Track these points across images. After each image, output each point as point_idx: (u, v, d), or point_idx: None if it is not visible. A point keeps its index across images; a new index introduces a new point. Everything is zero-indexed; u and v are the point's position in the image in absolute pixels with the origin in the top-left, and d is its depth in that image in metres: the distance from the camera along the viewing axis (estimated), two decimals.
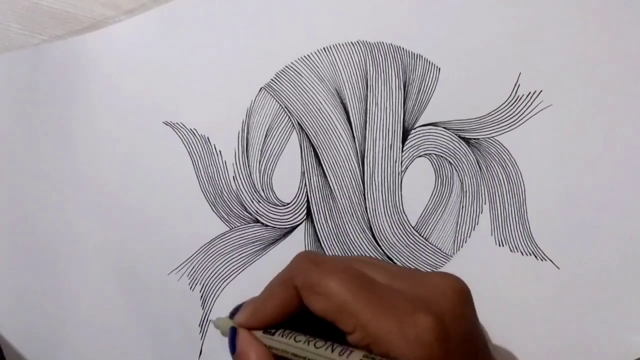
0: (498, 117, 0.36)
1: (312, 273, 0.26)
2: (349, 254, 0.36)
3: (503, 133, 0.36)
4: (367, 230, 0.36)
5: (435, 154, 0.36)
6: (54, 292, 0.35)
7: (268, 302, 0.28)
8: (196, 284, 0.35)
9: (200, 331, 0.35)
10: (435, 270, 0.36)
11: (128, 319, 0.35)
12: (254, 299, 0.29)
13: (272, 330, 0.28)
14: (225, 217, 0.36)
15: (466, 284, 0.27)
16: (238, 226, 0.36)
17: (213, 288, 0.35)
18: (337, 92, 0.36)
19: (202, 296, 0.35)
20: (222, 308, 0.35)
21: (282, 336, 0.27)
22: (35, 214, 0.35)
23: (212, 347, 0.35)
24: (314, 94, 0.36)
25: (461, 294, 0.26)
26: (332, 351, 0.25)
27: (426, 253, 0.36)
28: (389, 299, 0.25)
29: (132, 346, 0.35)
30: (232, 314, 0.29)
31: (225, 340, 0.34)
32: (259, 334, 0.28)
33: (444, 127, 0.36)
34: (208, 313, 0.35)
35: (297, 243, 0.35)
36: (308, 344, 0.26)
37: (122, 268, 0.35)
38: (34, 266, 0.35)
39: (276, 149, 0.36)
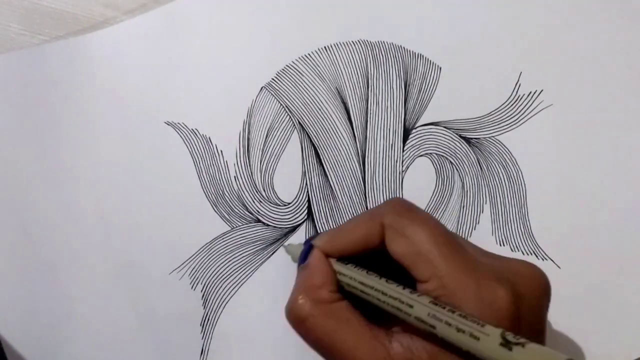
0: (499, 116, 0.36)
1: (403, 216, 0.26)
2: None
3: (504, 132, 0.36)
4: None
5: (436, 154, 0.36)
6: (54, 290, 0.35)
7: (350, 232, 0.28)
8: (197, 283, 0.35)
9: (202, 330, 0.35)
10: None
11: (128, 318, 0.35)
12: (335, 228, 0.30)
13: (345, 262, 0.28)
14: (227, 216, 0.36)
15: (547, 277, 0.26)
16: (239, 226, 0.36)
17: (214, 287, 0.35)
18: (338, 91, 0.36)
19: (203, 295, 0.35)
20: (227, 313, 0.35)
21: (354, 267, 0.27)
22: (35, 213, 0.36)
23: (214, 347, 0.35)
24: (314, 93, 0.36)
25: (542, 286, 0.26)
26: (403, 289, 0.25)
27: None
28: (473, 263, 0.25)
29: (132, 345, 0.35)
30: (308, 241, 0.30)
31: (229, 340, 0.34)
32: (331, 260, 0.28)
33: (444, 127, 0.36)
34: (209, 312, 0.35)
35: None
36: (379, 278, 0.26)
37: (123, 267, 0.35)
38: (34, 266, 0.35)
39: (277, 148, 0.36)
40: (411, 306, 0.24)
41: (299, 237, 0.36)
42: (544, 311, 0.26)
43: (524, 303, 0.24)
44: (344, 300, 0.27)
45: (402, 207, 0.27)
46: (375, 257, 0.27)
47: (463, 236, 0.36)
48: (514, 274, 0.25)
